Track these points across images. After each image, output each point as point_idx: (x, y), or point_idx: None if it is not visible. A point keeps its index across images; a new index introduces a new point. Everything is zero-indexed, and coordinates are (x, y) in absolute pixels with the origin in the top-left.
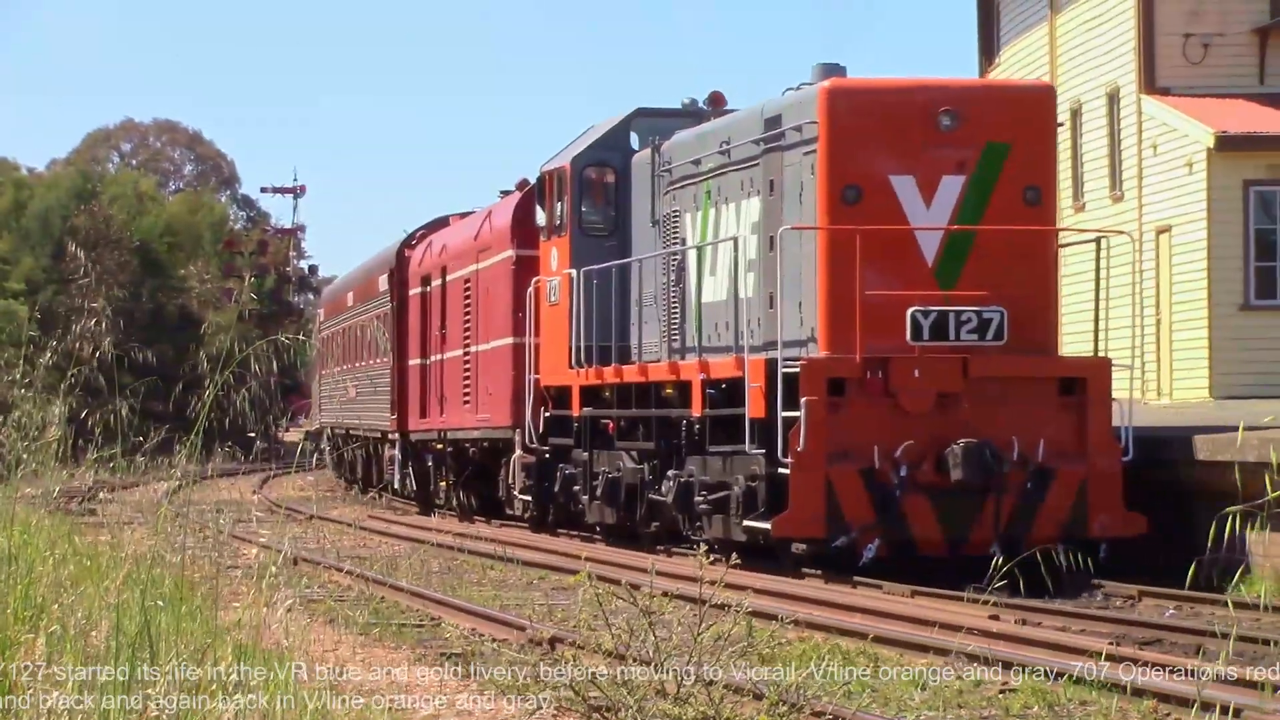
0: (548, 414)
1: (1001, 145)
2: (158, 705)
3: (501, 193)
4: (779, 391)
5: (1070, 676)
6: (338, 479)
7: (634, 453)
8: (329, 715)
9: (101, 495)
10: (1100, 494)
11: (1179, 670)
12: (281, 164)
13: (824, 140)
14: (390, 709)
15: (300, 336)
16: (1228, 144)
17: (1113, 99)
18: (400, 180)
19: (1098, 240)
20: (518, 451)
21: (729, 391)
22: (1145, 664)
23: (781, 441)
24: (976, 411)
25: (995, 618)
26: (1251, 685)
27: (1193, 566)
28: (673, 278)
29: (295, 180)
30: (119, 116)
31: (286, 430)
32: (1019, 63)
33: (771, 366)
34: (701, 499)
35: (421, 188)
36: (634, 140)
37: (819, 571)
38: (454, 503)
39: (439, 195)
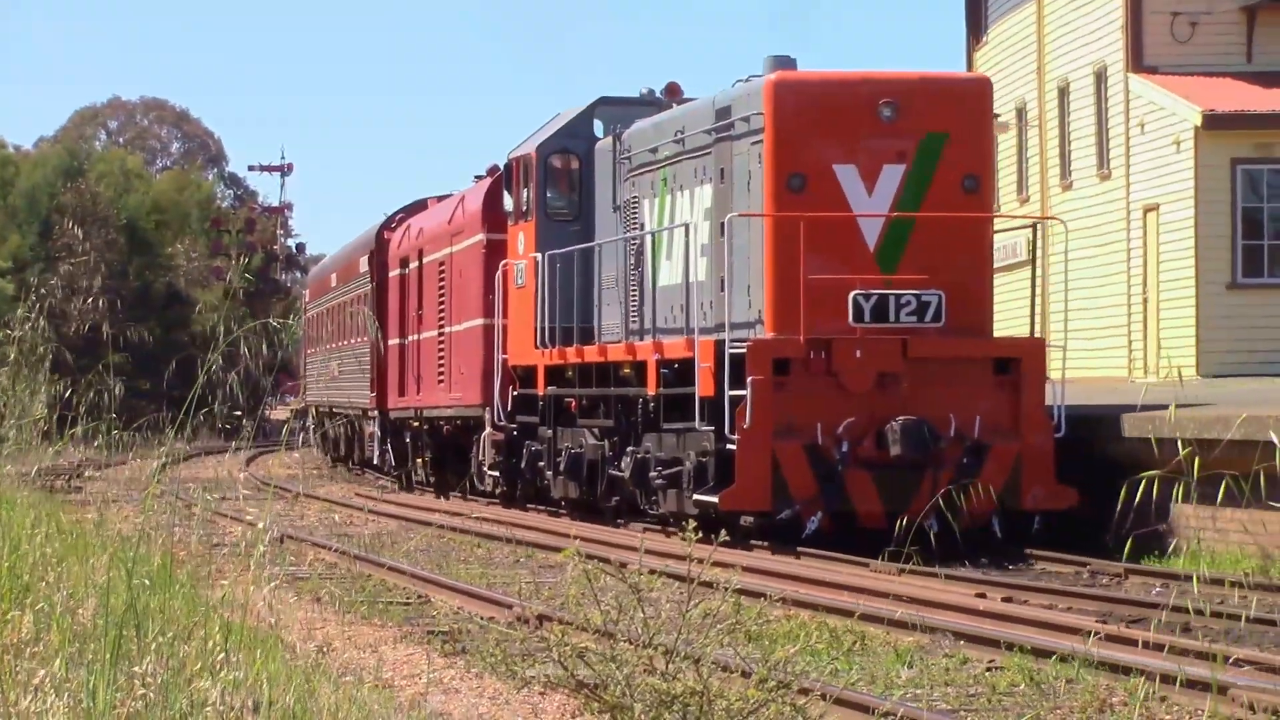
0: (516, 392)
1: (940, 135)
2: (144, 684)
3: (475, 178)
4: (726, 371)
5: (1057, 655)
6: (324, 457)
7: (595, 430)
8: (315, 693)
9: (88, 473)
10: (1033, 468)
11: (1165, 648)
12: (269, 142)
13: (770, 131)
14: (376, 686)
15: (287, 320)
16: (1215, 122)
17: (1100, 77)
18: (387, 158)
19: (1034, 226)
20: (488, 429)
21: (681, 371)
22: (1131, 642)
23: (729, 419)
24: (915, 390)
25: (982, 595)
26: (1236, 662)
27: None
28: (631, 261)
29: (282, 158)
30: (106, 94)
31: (274, 408)
32: (1007, 42)
33: (720, 347)
34: (656, 474)
35: (408, 165)
36: (598, 128)
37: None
38: (430, 479)
39: (426, 173)
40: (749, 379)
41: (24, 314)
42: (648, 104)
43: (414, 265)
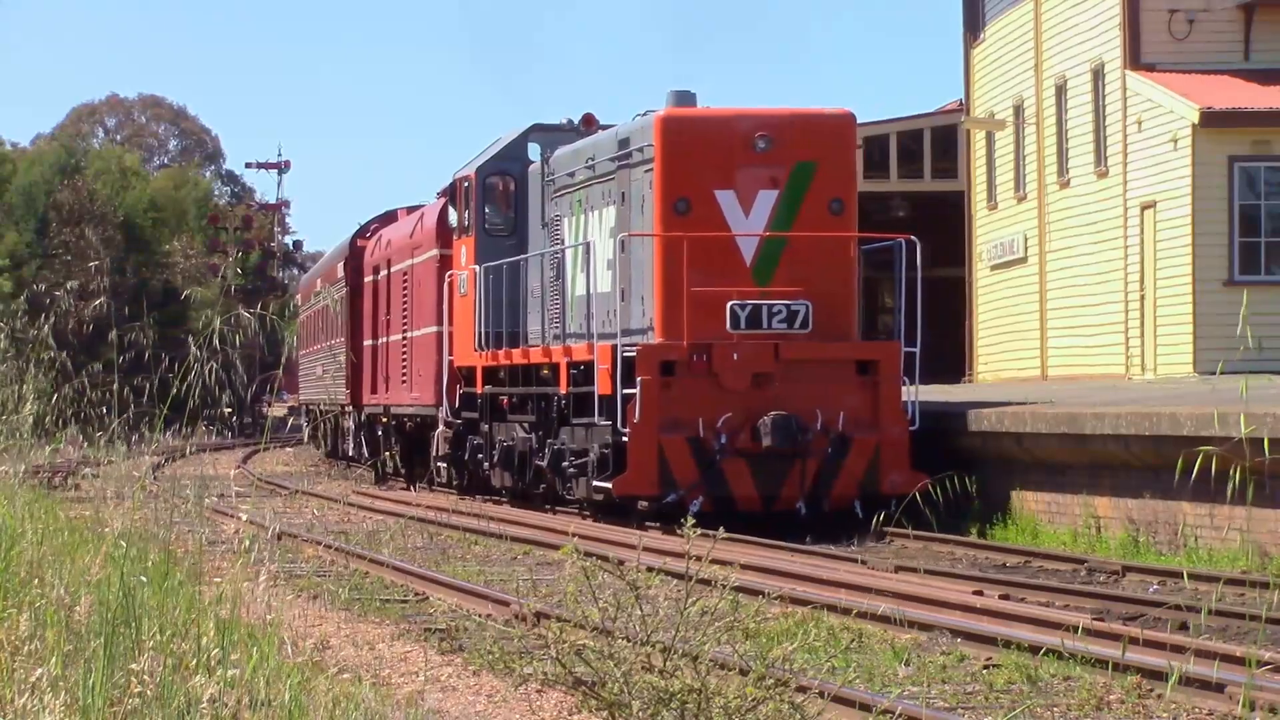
0: (462, 391)
1: (809, 164)
2: (140, 681)
3: (437, 194)
4: (618, 372)
5: (1054, 653)
6: (320, 454)
7: (524, 424)
8: (312, 690)
9: (85, 471)
10: (891, 457)
11: (1163, 645)
12: (266, 139)
13: (659, 160)
14: (374, 684)
15: (270, 313)
16: (1212, 120)
17: (1097, 75)
18: (384, 156)
19: (897, 244)
20: (440, 426)
21: (587, 372)
22: (1128, 639)
23: (621, 414)
24: (786, 388)
25: (979, 593)
26: (1234, 660)
27: None
28: (552, 274)
29: (280, 156)
30: (104, 92)
31: (270, 405)
32: (1004, 39)
33: (615, 351)
34: (569, 464)
35: (405, 163)
36: (533, 151)
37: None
38: (400, 471)
39: (422, 171)
40: (638, 379)
41: (20, 308)
42: (572, 131)
43: (384, 273)
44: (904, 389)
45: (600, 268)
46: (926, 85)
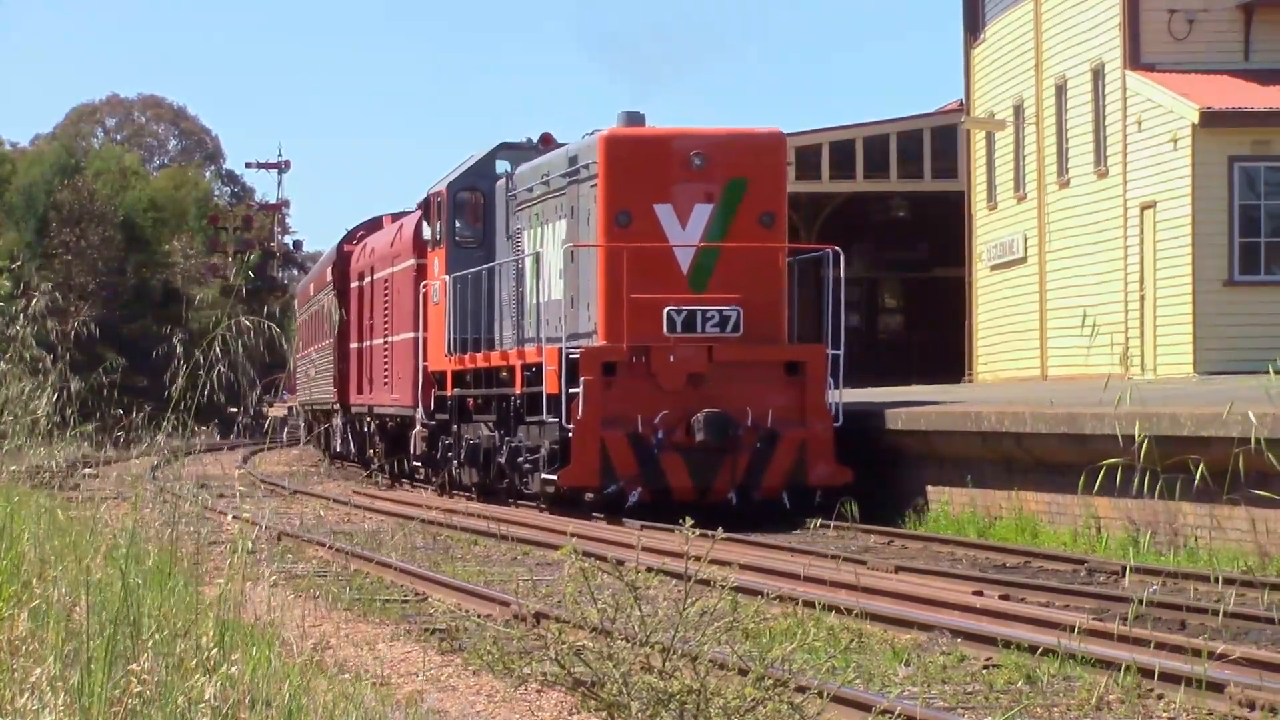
0: (436, 394)
1: (741, 180)
2: (140, 681)
3: (418, 205)
4: (563, 372)
5: (1053, 653)
6: (321, 454)
7: (488, 423)
8: (311, 690)
9: (85, 471)
10: (816, 452)
11: (1163, 646)
12: (266, 139)
13: (602, 176)
14: (374, 684)
15: (266, 319)
16: (1212, 120)
17: (1097, 75)
18: (384, 155)
19: (825, 254)
20: (417, 426)
21: (538, 373)
22: (1128, 639)
23: (566, 411)
24: (719, 388)
25: (979, 593)
26: (1235, 661)
27: None
28: (514, 283)
29: (280, 155)
30: (104, 92)
31: (271, 405)
32: (1004, 39)
33: (561, 353)
34: (524, 459)
35: (404, 162)
36: (501, 168)
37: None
38: (384, 468)
39: (422, 170)
40: (582, 379)
41: (17, 308)
42: (533, 149)
43: (368, 279)
44: (830, 391)
45: (553, 276)
46: (926, 85)
